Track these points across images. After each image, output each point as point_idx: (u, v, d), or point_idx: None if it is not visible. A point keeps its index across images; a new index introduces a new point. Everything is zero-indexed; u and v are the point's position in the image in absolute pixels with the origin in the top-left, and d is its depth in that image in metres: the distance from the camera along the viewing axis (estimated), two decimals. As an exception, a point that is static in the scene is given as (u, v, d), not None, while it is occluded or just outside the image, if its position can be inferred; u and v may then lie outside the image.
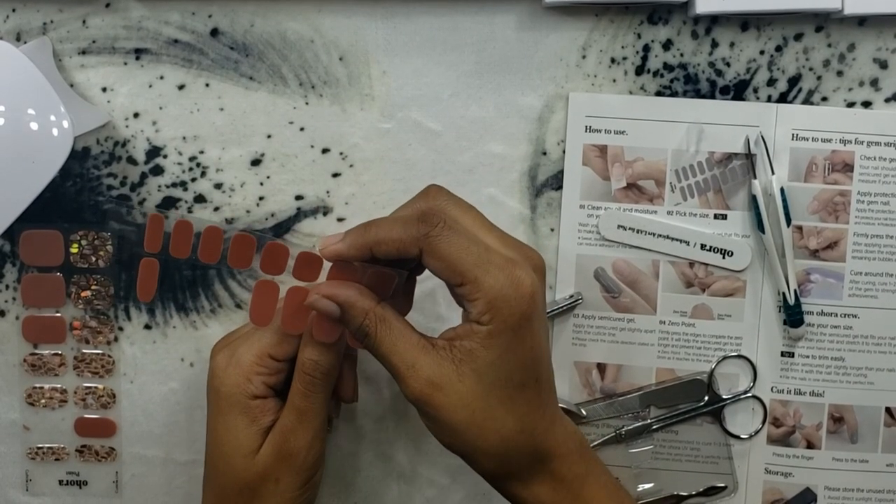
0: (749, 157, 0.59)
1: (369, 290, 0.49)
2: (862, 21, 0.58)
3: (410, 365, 0.47)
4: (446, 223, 0.47)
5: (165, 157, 0.60)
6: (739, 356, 0.60)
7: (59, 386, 0.61)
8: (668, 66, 0.59)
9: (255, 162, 0.60)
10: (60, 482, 0.62)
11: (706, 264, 0.60)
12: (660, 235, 0.59)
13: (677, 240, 0.59)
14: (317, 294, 0.49)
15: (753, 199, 0.58)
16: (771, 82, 0.59)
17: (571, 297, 0.60)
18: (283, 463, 0.52)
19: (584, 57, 0.59)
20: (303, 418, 0.53)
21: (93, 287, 0.61)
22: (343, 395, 0.56)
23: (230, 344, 0.55)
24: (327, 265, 0.50)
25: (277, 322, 0.53)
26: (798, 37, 0.58)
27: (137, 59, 0.59)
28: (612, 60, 0.59)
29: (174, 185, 0.60)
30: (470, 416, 0.47)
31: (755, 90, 0.59)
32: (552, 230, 0.60)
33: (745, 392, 0.60)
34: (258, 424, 0.53)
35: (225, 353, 0.54)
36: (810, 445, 0.61)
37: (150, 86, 0.59)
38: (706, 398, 0.60)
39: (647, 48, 0.59)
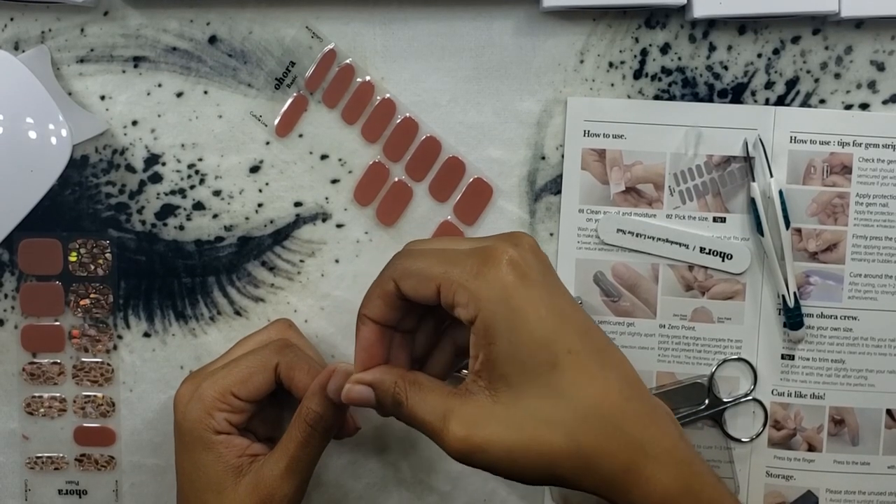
0: (747, 160, 0.59)
1: (397, 361, 0.49)
2: (859, 24, 0.58)
3: (442, 415, 0.44)
4: (410, 250, 0.47)
5: (164, 164, 0.60)
6: (739, 359, 0.60)
7: (58, 395, 0.61)
8: (665, 70, 0.59)
9: (254, 169, 0.60)
10: (60, 492, 0.62)
11: (705, 267, 0.60)
12: (659, 239, 0.59)
13: (676, 243, 0.59)
14: (349, 385, 0.48)
15: (752, 201, 0.58)
16: (769, 85, 0.59)
17: (571, 301, 0.60)
18: None
19: (581, 61, 0.59)
20: (293, 467, 0.52)
21: (92, 295, 0.60)
22: (345, 432, 0.56)
23: (195, 377, 0.55)
24: None
25: (247, 361, 0.53)
26: (795, 40, 0.59)
27: (136, 66, 0.59)
28: (610, 65, 0.59)
29: (173, 192, 0.60)
30: (518, 433, 0.42)
31: (753, 93, 0.59)
32: (551, 235, 0.60)
33: (746, 395, 0.60)
34: (224, 461, 0.52)
35: (188, 385, 0.54)
36: (811, 448, 0.60)
37: (149, 93, 0.59)
38: (706, 402, 0.60)
39: (644, 52, 0.59)
